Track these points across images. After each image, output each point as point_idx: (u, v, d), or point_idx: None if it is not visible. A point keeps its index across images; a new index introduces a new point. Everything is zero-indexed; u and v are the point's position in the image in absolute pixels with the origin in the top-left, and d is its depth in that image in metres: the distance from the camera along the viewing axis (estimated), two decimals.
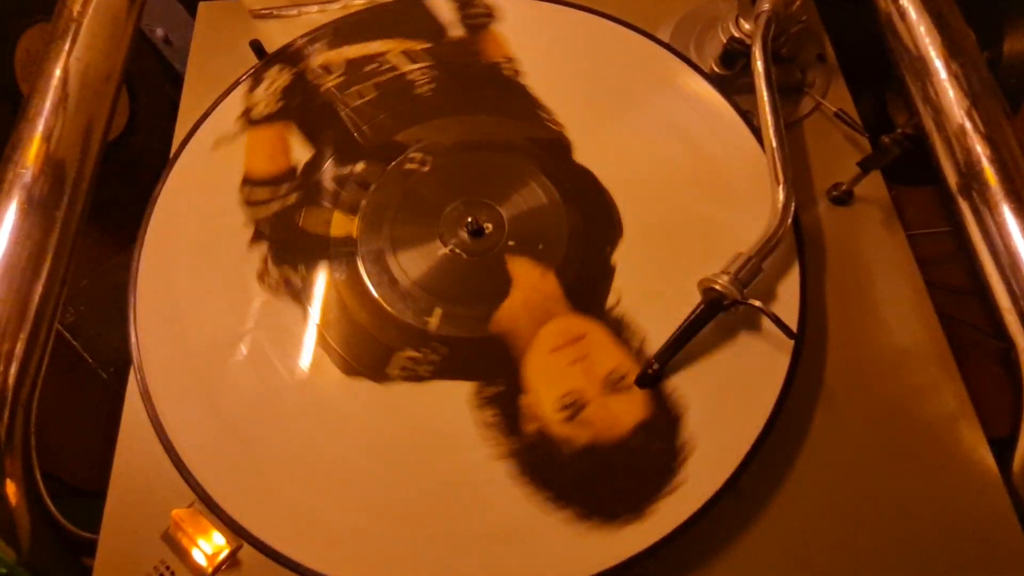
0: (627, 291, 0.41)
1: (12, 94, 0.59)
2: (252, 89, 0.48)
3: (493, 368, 0.39)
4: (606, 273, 0.41)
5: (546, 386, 0.38)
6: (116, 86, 0.47)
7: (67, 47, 0.45)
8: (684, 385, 0.38)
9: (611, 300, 0.40)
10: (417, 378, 0.38)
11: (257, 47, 0.50)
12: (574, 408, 0.37)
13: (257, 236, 0.43)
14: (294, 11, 0.55)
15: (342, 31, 0.50)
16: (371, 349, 0.39)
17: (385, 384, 0.38)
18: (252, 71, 0.49)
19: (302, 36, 0.50)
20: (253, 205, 0.44)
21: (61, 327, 0.55)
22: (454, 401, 0.38)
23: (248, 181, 0.45)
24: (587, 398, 0.37)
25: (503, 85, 0.48)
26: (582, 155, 0.45)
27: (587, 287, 0.41)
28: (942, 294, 0.45)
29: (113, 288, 0.59)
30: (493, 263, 0.42)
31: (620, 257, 0.42)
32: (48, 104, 0.43)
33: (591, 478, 0.36)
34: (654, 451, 0.36)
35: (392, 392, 0.38)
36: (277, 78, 0.48)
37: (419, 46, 0.50)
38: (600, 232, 0.43)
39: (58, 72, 0.44)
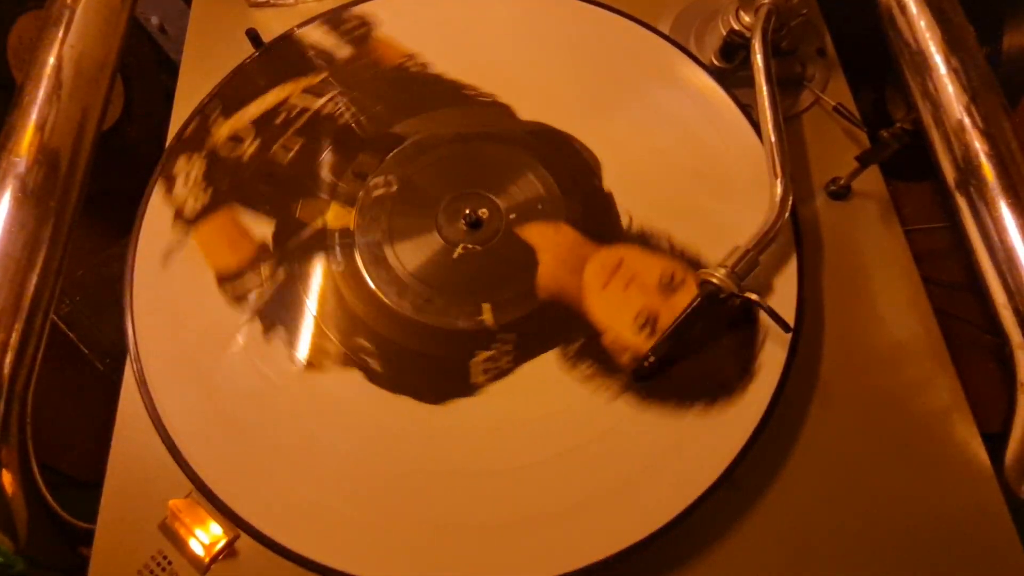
0: (634, 208, 0.43)
1: (4, 81, 0.58)
2: (169, 190, 0.44)
3: (564, 328, 0.40)
4: (607, 201, 0.44)
5: (617, 318, 0.40)
6: (111, 75, 0.46)
7: (61, 35, 0.44)
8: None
9: (624, 221, 0.43)
10: (503, 372, 0.39)
11: (253, 36, 0.49)
12: (650, 322, 0.39)
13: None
14: (291, 0, 0.55)
15: (228, 98, 0.47)
16: (443, 367, 0.39)
17: (479, 394, 0.38)
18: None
19: (189, 119, 0.46)
20: (242, 299, 0.41)
21: (56, 318, 0.55)
22: (548, 372, 0.39)
23: (223, 279, 0.41)
24: (655, 308, 0.40)
25: (419, 81, 0.47)
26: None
27: (599, 220, 0.43)
28: (938, 289, 0.45)
29: (109, 278, 0.58)
30: (503, 244, 0.42)
31: (612, 184, 0.44)
32: (42, 93, 0.42)
33: (694, 372, 0.38)
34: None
35: (489, 395, 0.38)
36: (190, 168, 0.44)
37: (316, 79, 0.47)
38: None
39: (52, 60, 0.43)
